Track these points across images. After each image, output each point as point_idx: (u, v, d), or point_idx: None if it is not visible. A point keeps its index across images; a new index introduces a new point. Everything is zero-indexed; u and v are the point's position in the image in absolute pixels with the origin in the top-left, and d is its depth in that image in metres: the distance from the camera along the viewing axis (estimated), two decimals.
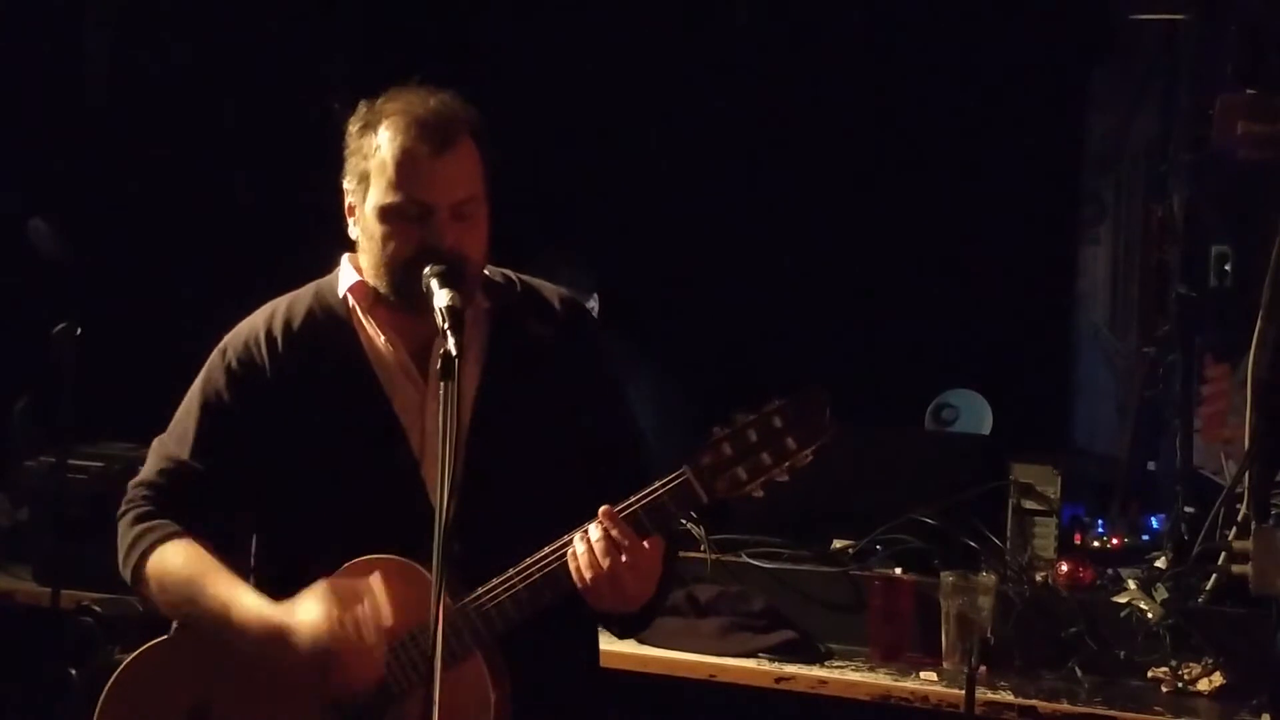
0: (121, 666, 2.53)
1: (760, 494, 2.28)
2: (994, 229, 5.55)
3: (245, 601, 2.40)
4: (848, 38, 5.73)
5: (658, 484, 2.29)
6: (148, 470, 2.57)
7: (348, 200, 2.50)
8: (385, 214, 2.42)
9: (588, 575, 2.29)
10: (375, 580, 2.33)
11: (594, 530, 2.29)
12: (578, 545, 2.30)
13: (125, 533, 2.54)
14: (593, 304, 4.80)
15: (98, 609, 3.29)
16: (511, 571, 2.34)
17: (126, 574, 2.54)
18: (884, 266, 5.65)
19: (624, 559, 2.27)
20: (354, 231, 2.50)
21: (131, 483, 2.60)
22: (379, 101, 2.48)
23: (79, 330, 3.50)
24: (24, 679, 3.67)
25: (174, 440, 2.56)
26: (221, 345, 2.57)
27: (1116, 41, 5.47)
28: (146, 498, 2.55)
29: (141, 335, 4.88)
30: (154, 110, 5.36)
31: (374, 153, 2.43)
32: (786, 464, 2.25)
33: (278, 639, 2.34)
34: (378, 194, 2.42)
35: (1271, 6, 4.30)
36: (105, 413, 3.91)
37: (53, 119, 5.19)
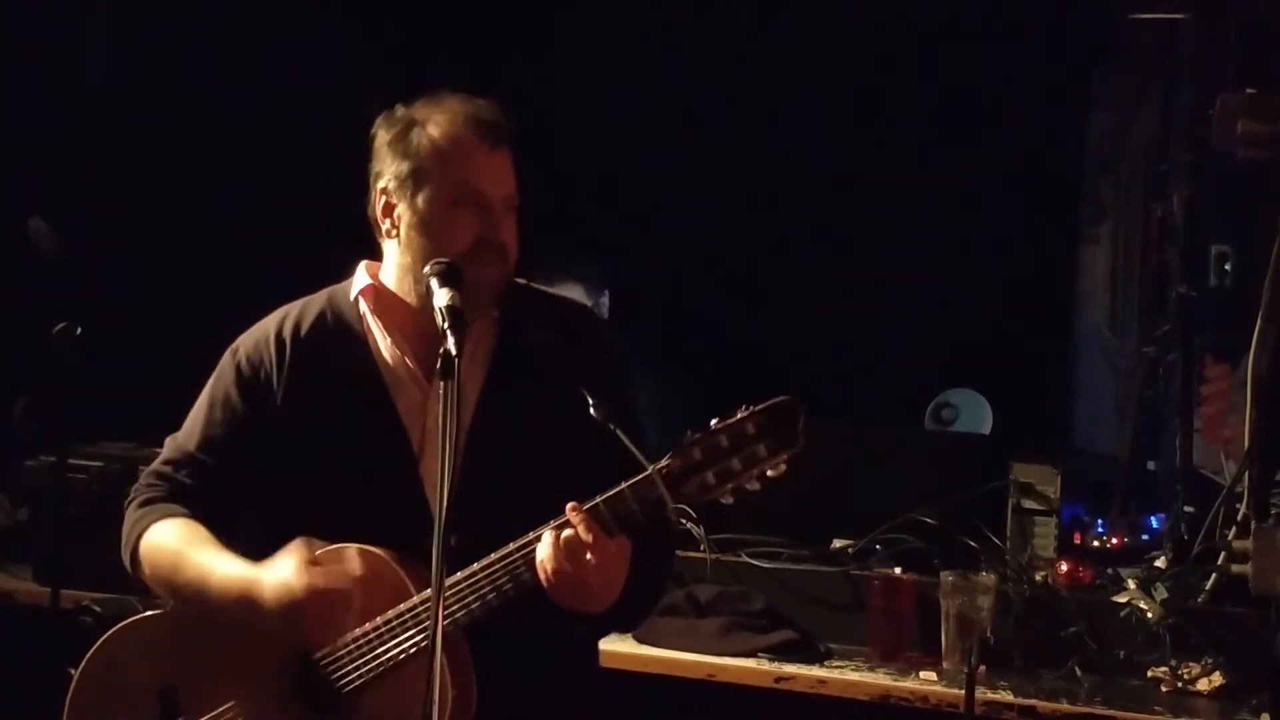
0: (103, 638, 2.58)
1: (729, 500, 2.28)
2: (994, 229, 5.55)
3: (224, 564, 2.46)
4: (848, 39, 5.72)
5: (624, 484, 2.31)
6: (157, 461, 2.65)
7: (383, 201, 2.52)
8: (449, 204, 2.46)
9: (550, 570, 2.30)
10: (349, 552, 2.38)
11: (563, 531, 2.30)
12: (545, 539, 2.32)
13: (127, 519, 2.61)
14: (604, 301, 4.80)
15: (98, 609, 3.29)
16: (477, 567, 2.35)
17: (126, 558, 2.60)
18: (884, 266, 5.65)
19: (589, 558, 2.28)
20: (391, 233, 2.52)
21: (144, 471, 2.67)
22: (416, 106, 2.52)
23: (79, 330, 3.50)
24: (24, 679, 3.67)
25: (184, 435, 2.63)
26: (234, 345, 2.63)
27: (1116, 41, 5.47)
28: (152, 485, 2.62)
29: (141, 335, 4.88)
30: (155, 109, 5.36)
31: (425, 150, 2.47)
32: (756, 471, 2.26)
33: (249, 592, 2.40)
34: (435, 187, 2.47)
35: (1272, 6, 4.29)
36: (105, 413, 3.91)
37: (53, 118, 5.19)
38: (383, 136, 2.53)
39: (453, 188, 2.46)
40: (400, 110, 2.54)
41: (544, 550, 2.31)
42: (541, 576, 2.31)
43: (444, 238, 2.45)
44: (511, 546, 2.35)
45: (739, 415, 2.27)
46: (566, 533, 2.29)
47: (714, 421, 2.27)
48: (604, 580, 2.31)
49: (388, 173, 2.51)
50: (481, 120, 2.48)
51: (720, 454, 2.26)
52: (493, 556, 2.35)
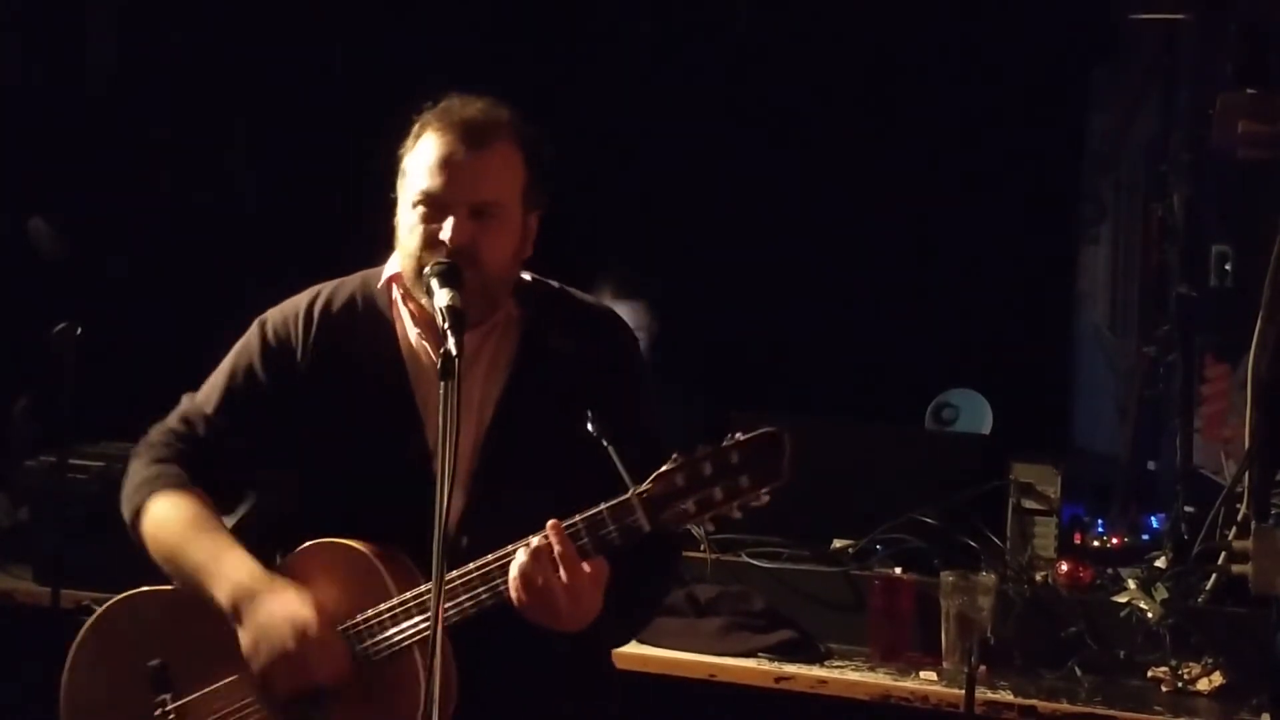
0: (97, 615, 2.59)
1: (711, 527, 2.28)
2: (994, 229, 5.55)
3: (231, 557, 2.45)
4: (848, 38, 5.72)
5: (603, 506, 2.29)
6: (171, 417, 2.62)
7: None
8: (412, 203, 2.46)
9: (518, 587, 2.29)
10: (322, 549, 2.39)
11: (537, 544, 2.29)
12: (519, 556, 2.30)
13: (136, 472, 2.59)
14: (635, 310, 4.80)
15: (98, 609, 3.29)
16: (455, 575, 2.33)
17: (127, 512, 2.58)
18: (885, 266, 5.65)
19: (561, 577, 2.27)
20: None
21: (154, 427, 2.64)
22: (436, 107, 2.52)
23: (79, 330, 3.50)
24: (24, 679, 3.67)
25: (202, 396, 2.61)
26: (262, 317, 2.62)
27: (1116, 41, 5.48)
28: (166, 444, 2.59)
29: (141, 335, 4.88)
30: (156, 108, 5.36)
31: (416, 151, 2.48)
32: (737, 502, 2.24)
33: (248, 603, 2.39)
34: (409, 186, 2.48)
35: (1271, 6, 4.30)
36: (105, 413, 3.91)
37: (53, 117, 5.19)
38: (413, 132, 2.54)
39: (412, 190, 2.46)
40: (430, 107, 2.53)
41: (515, 568, 2.30)
42: (512, 590, 2.30)
43: (408, 236, 2.46)
44: (489, 558, 2.34)
45: (724, 444, 2.25)
46: (543, 552, 2.28)
47: (699, 448, 2.26)
48: (573, 602, 2.29)
49: (400, 169, 2.53)
50: (460, 123, 2.45)
51: (702, 482, 2.24)
52: (470, 567, 2.34)
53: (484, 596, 2.34)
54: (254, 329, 2.61)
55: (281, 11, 5.50)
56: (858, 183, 5.65)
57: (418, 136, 2.49)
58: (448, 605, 2.31)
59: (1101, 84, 5.75)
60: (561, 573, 2.27)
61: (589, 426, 2.34)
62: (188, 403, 2.62)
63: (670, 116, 5.78)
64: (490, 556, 2.34)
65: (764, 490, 2.24)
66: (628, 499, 2.27)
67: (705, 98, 5.79)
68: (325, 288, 2.63)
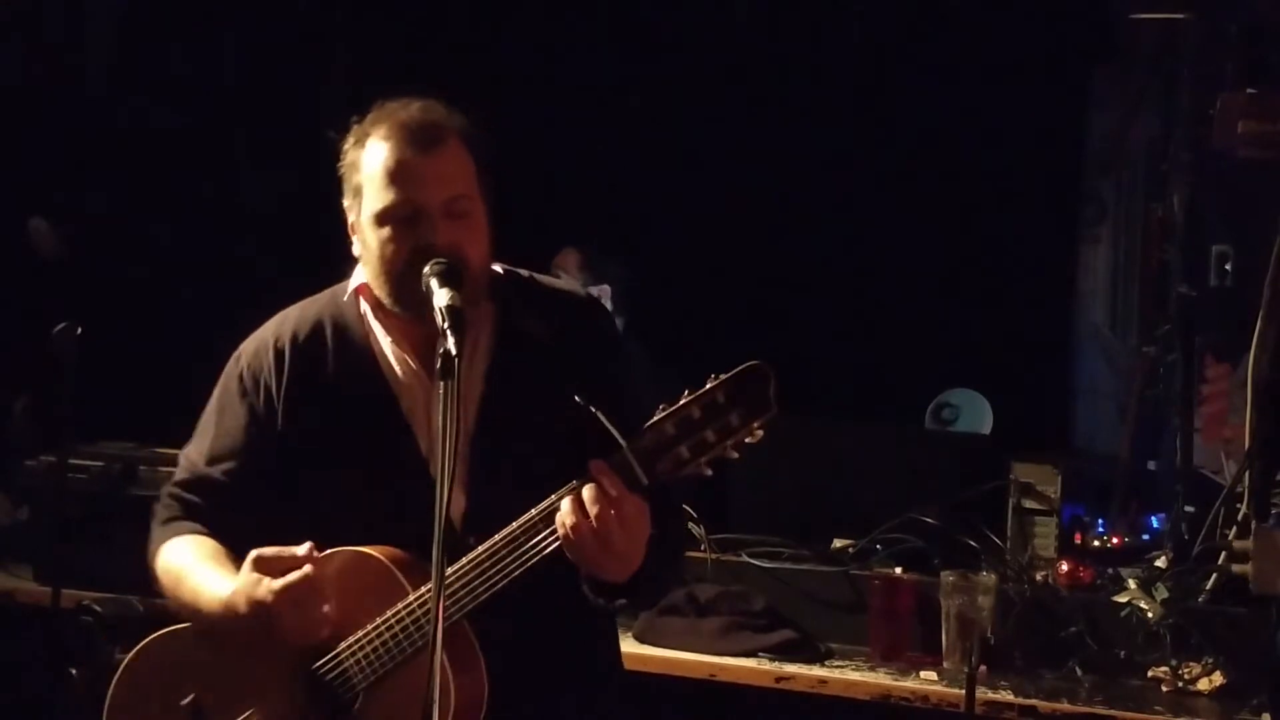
0: (127, 660, 2.59)
1: (709, 472, 2.26)
2: (994, 229, 5.55)
3: (212, 584, 2.45)
4: (848, 38, 5.73)
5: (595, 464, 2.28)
6: (175, 477, 2.64)
7: (349, 219, 2.51)
8: (380, 219, 2.43)
9: (570, 524, 2.26)
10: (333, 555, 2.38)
11: (580, 487, 2.28)
12: (566, 501, 2.28)
13: (152, 535, 2.61)
14: (602, 292, 4.81)
15: (98, 609, 3.29)
16: (497, 538, 2.32)
17: (150, 569, 2.60)
18: (885, 266, 5.65)
19: (612, 512, 2.24)
20: (356, 249, 2.51)
21: (164, 488, 2.67)
22: (368, 117, 2.50)
23: (79, 330, 3.50)
24: (24, 679, 3.67)
25: (195, 449, 2.62)
26: (236, 353, 2.61)
27: (1116, 41, 5.48)
28: (169, 506, 2.62)
29: (141, 335, 4.88)
30: (156, 108, 5.36)
31: (365, 165, 2.45)
32: (731, 441, 2.22)
33: (229, 611, 2.40)
34: (371, 201, 2.44)
35: (1272, 6, 4.30)
36: (105, 413, 3.92)
37: (53, 117, 5.19)
38: (345, 150, 2.51)
39: (377, 205, 2.43)
40: (355, 124, 2.51)
41: (566, 509, 2.27)
42: (561, 533, 2.27)
43: (384, 251, 2.43)
44: (532, 512, 2.31)
45: (708, 385, 2.23)
46: (592, 490, 2.25)
47: (685, 393, 2.24)
48: (627, 537, 2.25)
49: (346, 189, 2.50)
50: (407, 127, 2.43)
51: (693, 426, 2.22)
52: (512, 525, 2.32)
53: (529, 557, 2.30)
54: (230, 367, 2.60)
55: (282, 11, 5.51)
56: (857, 182, 5.65)
57: (360, 148, 2.46)
58: (493, 572, 2.29)
59: (1101, 84, 5.75)
60: (613, 510, 2.24)
61: (576, 397, 2.30)
62: (184, 461, 2.63)
63: (671, 113, 5.79)
64: (533, 510, 2.31)
65: (756, 424, 2.21)
66: (621, 453, 2.25)
67: (705, 96, 5.79)
68: (291, 313, 2.61)
